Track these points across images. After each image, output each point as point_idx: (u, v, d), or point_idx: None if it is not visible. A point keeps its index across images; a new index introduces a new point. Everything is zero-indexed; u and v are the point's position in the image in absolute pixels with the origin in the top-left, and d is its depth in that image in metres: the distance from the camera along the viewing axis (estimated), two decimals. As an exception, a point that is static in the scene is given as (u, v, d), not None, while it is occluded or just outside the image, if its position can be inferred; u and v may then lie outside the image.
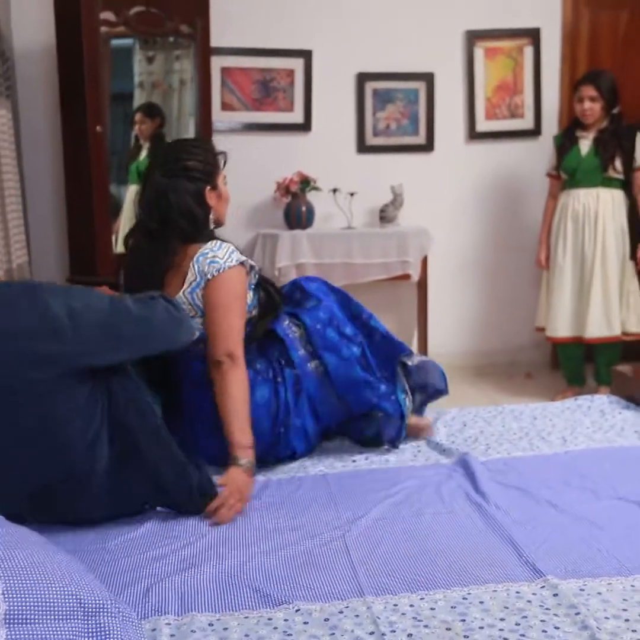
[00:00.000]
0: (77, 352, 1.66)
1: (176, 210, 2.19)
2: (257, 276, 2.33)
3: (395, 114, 4.63)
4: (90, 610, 1.19)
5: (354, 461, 2.28)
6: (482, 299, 4.89)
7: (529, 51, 4.65)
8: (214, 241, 2.22)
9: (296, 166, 4.35)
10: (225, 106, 4.45)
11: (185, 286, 2.17)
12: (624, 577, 1.53)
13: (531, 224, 4.49)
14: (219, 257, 2.17)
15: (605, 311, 4.04)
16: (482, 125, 4.70)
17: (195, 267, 2.17)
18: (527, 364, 4.91)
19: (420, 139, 4.67)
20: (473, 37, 4.61)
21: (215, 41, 4.21)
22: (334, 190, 4.39)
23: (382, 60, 4.58)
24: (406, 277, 4.35)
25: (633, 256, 4.10)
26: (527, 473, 2.11)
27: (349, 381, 2.26)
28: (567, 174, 4.08)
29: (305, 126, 4.52)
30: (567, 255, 4.11)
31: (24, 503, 1.76)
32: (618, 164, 3.98)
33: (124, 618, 1.23)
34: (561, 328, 4.14)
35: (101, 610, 1.21)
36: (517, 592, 1.48)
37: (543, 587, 1.49)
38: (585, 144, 4.04)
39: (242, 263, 2.20)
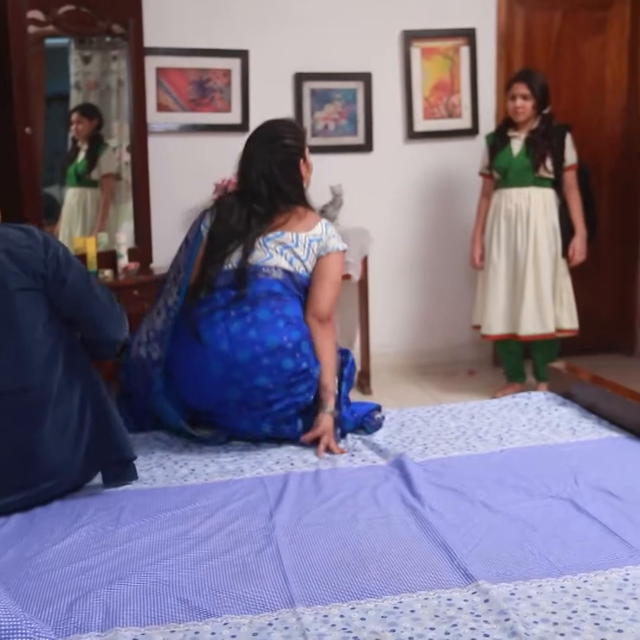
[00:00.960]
0: (40, 258, 1.98)
1: (283, 181, 2.56)
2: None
3: (333, 114, 4.62)
4: (1, 633, 1.14)
5: (291, 464, 2.25)
6: (423, 297, 4.92)
7: (465, 51, 4.68)
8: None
9: (234, 167, 4.30)
10: (161, 107, 4.39)
11: (309, 233, 2.55)
12: (554, 578, 1.52)
13: (470, 222, 4.52)
14: (336, 236, 2.61)
15: (538, 309, 4.09)
16: (420, 124, 4.72)
17: (324, 229, 2.58)
18: (469, 361, 4.95)
19: (359, 139, 4.67)
20: (410, 37, 4.62)
21: (150, 41, 4.15)
22: (273, 191, 4.35)
23: (319, 60, 4.56)
24: (347, 277, 4.34)
25: (565, 254, 4.16)
26: (463, 473, 2.10)
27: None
28: (499, 173, 4.13)
29: (242, 126, 4.48)
30: (501, 255, 4.16)
31: None
32: (549, 163, 4.04)
33: (40, 639, 1.18)
34: (495, 326, 4.19)
35: (14, 632, 1.16)
36: (449, 599, 1.46)
37: (474, 592, 1.47)
38: (516, 144, 4.09)
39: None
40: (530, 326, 4.10)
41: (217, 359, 2.38)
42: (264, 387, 2.38)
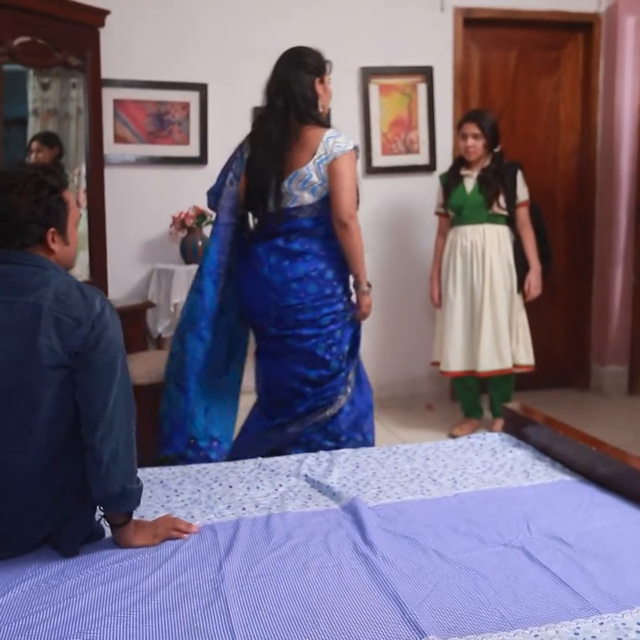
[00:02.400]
0: (83, 335, 1.83)
1: (296, 93, 2.95)
2: None
3: (292, 148, 4.61)
4: None
5: (243, 508, 2.21)
6: (381, 332, 4.92)
7: (422, 88, 4.73)
8: (333, 129, 3.01)
9: (192, 200, 4.29)
10: (118, 139, 4.37)
11: (314, 157, 2.95)
12: (505, 631, 1.51)
13: (428, 257, 4.55)
14: (341, 142, 2.96)
15: (496, 344, 4.11)
16: (379, 160, 4.75)
17: (325, 146, 2.94)
18: (427, 395, 4.96)
19: (318, 173, 4.67)
20: (368, 74, 4.66)
21: (108, 73, 4.14)
22: (231, 225, 4.34)
23: (278, 94, 4.56)
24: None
25: (520, 289, 4.20)
26: (417, 519, 2.09)
27: None
28: (453, 211, 4.17)
29: (200, 159, 4.48)
30: (457, 291, 4.18)
31: None
32: (502, 200, 4.08)
33: None
34: (453, 363, 4.20)
35: None
36: (398, 656, 1.44)
37: (424, 648, 1.46)
38: (469, 182, 4.14)
39: (355, 147, 3.01)
40: (488, 362, 4.12)
41: (260, 281, 3.02)
42: (294, 307, 3.00)
